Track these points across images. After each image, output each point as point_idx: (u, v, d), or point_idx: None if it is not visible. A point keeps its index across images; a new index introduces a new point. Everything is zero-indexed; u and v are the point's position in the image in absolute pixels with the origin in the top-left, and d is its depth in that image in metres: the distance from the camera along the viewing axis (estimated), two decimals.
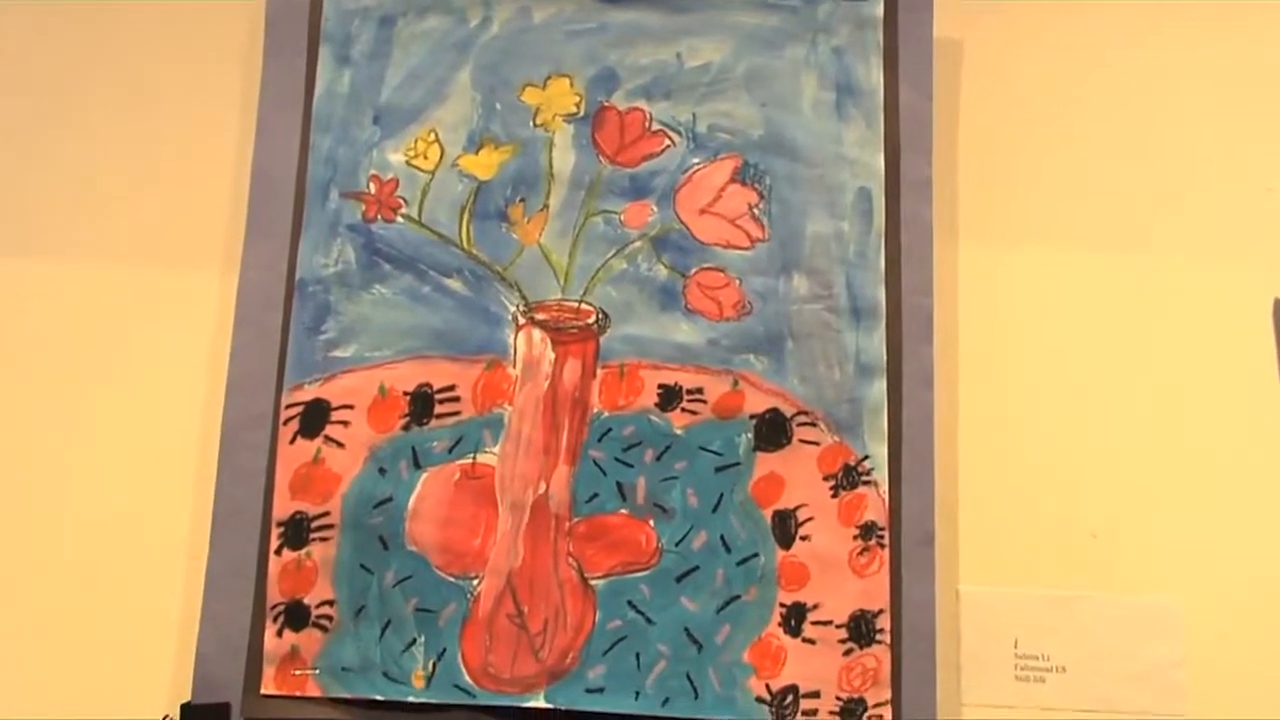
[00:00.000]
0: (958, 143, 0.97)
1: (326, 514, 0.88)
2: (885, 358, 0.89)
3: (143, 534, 0.91)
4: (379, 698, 0.86)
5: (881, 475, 0.88)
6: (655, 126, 0.93)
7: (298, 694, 0.86)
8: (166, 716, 0.86)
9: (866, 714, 0.85)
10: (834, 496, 0.87)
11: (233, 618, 0.87)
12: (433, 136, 0.93)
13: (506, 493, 0.88)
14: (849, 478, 0.88)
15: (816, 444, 0.88)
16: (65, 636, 0.90)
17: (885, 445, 0.88)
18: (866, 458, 0.88)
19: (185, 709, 0.86)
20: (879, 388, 0.89)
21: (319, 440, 0.89)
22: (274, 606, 0.87)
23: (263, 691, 0.86)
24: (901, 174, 0.92)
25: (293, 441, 0.89)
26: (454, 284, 0.91)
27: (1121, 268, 0.95)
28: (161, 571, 0.90)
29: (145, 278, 0.96)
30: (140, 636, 0.90)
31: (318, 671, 0.87)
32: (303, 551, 0.88)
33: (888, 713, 0.84)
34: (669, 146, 0.93)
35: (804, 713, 0.85)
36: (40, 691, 0.89)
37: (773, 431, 0.89)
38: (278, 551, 0.88)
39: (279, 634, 0.87)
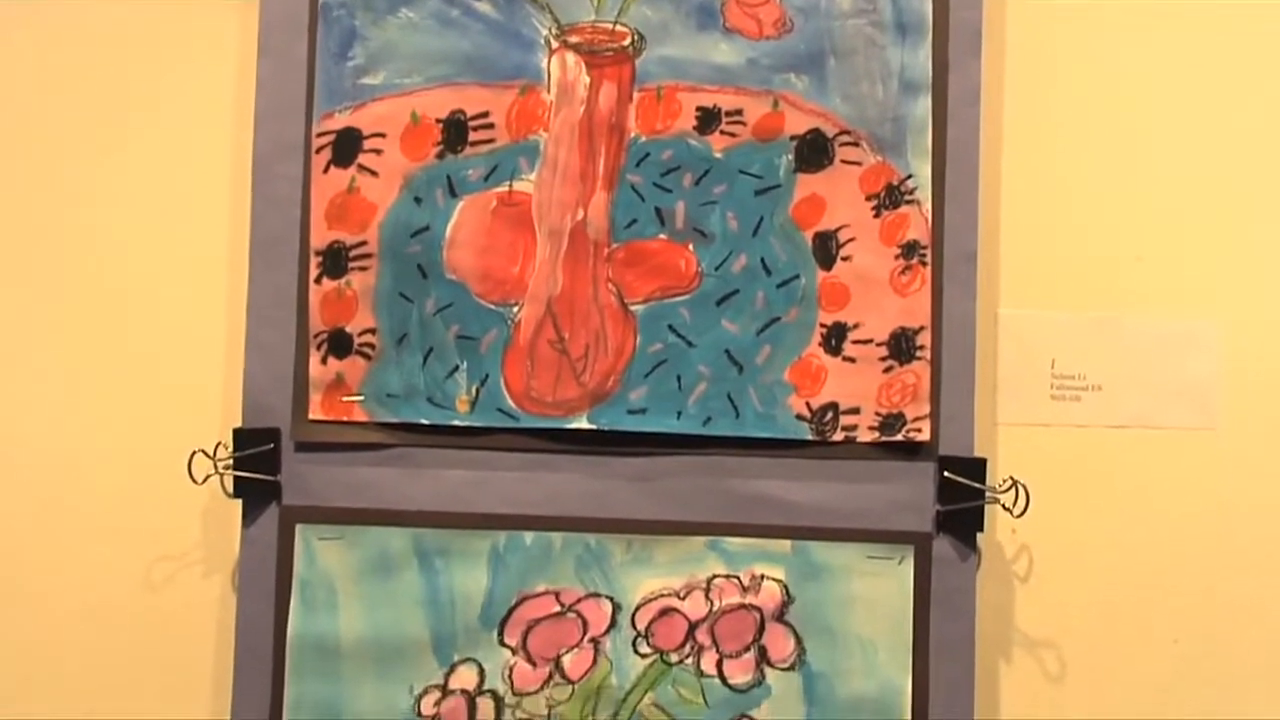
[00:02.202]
0: None
1: (364, 243, 0.88)
2: (931, 74, 0.87)
3: (181, 270, 0.91)
4: (424, 422, 0.88)
5: (925, 194, 0.86)
6: None
7: (345, 419, 0.88)
8: (220, 444, 0.88)
9: (905, 428, 0.86)
10: (876, 216, 0.87)
11: (278, 346, 0.88)
12: None
13: (544, 220, 0.88)
14: (891, 197, 0.87)
15: (859, 164, 0.87)
16: (116, 369, 0.91)
17: (929, 163, 0.86)
18: (910, 176, 0.86)
19: (237, 433, 0.88)
20: (924, 105, 0.86)
21: (352, 169, 0.88)
22: (317, 335, 0.88)
23: (310, 417, 0.88)
24: None
25: (326, 170, 0.88)
26: (483, 6, 0.88)
27: None
28: (203, 304, 0.91)
29: (164, 8, 0.93)
30: (188, 367, 0.91)
31: (363, 398, 0.88)
32: (342, 280, 0.88)
33: (926, 426, 0.86)
34: None
35: (844, 428, 0.87)
36: (93, 421, 0.91)
37: (814, 152, 0.87)
38: (317, 280, 0.88)
39: (323, 361, 0.88)
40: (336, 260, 0.88)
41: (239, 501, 0.88)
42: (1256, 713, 0.90)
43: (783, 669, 0.87)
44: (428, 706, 0.87)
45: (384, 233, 0.87)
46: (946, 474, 0.85)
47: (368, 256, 0.88)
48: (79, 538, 0.92)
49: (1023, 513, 0.85)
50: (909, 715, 0.85)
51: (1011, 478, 0.86)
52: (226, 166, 0.91)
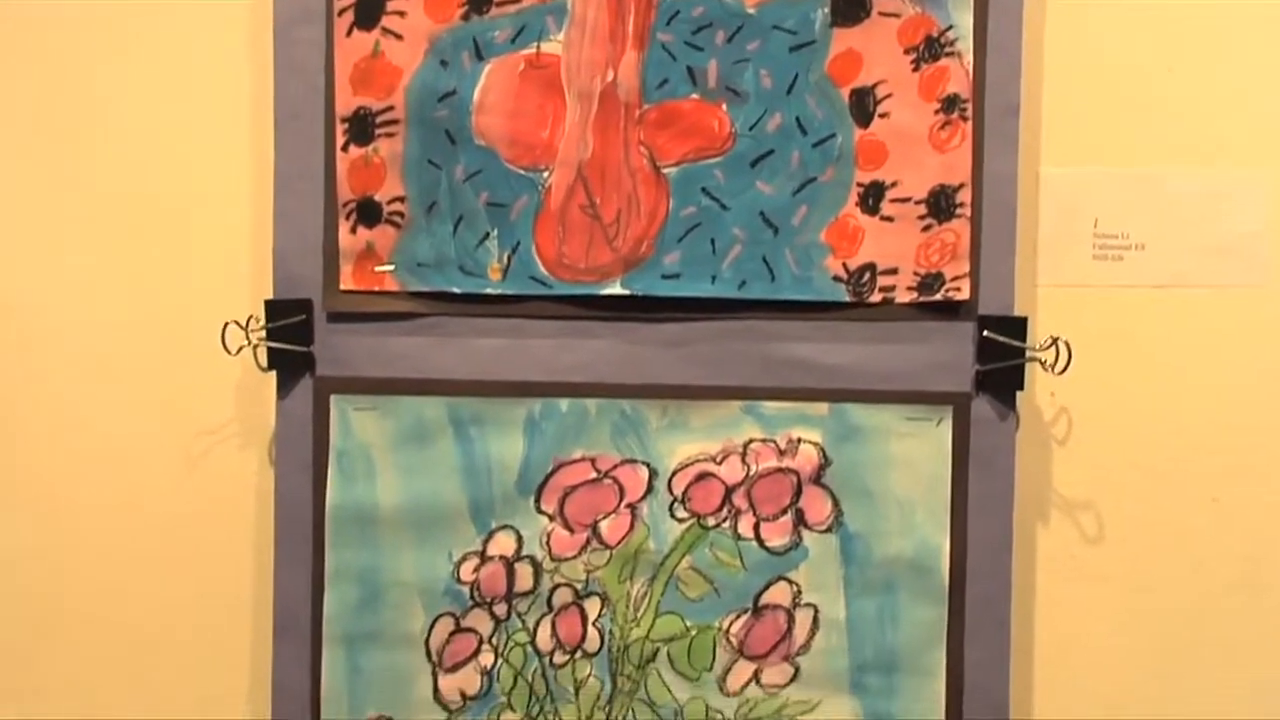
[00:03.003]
0: None
1: (390, 109, 0.86)
2: None
3: (204, 141, 0.90)
4: (456, 290, 0.87)
5: (966, 45, 0.84)
6: None
7: (376, 289, 0.87)
8: (251, 317, 0.87)
9: (944, 287, 0.85)
10: (915, 70, 0.84)
11: (306, 216, 0.87)
12: None
13: (573, 82, 0.85)
14: (931, 49, 0.84)
15: (897, 15, 0.84)
16: (145, 247, 0.91)
17: (970, 14, 0.83)
18: (950, 28, 0.84)
19: (269, 305, 0.87)
20: None
21: (376, 32, 0.85)
22: (345, 204, 0.87)
23: (342, 287, 0.87)
24: None
25: (349, 34, 0.85)
26: None
27: None
28: (229, 175, 0.90)
29: None
30: (217, 239, 0.90)
31: (394, 267, 0.87)
32: (369, 148, 0.86)
33: (965, 285, 0.85)
34: None
35: (881, 289, 0.85)
36: (123, 300, 0.91)
37: (850, 5, 0.84)
38: (344, 148, 0.86)
39: (353, 231, 0.87)
40: (363, 127, 0.86)
41: (273, 375, 0.88)
42: None
43: (820, 531, 0.87)
44: (467, 573, 0.88)
45: (410, 98, 0.86)
46: (986, 333, 0.84)
47: (394, 123, 0.86)
48: (115, 417, 0.92)
49: (1064, 370, 0.84)
50: (947, 574, 0.86)
51: (1052, 336, 0.84)
52: (244, 32, 0.89)
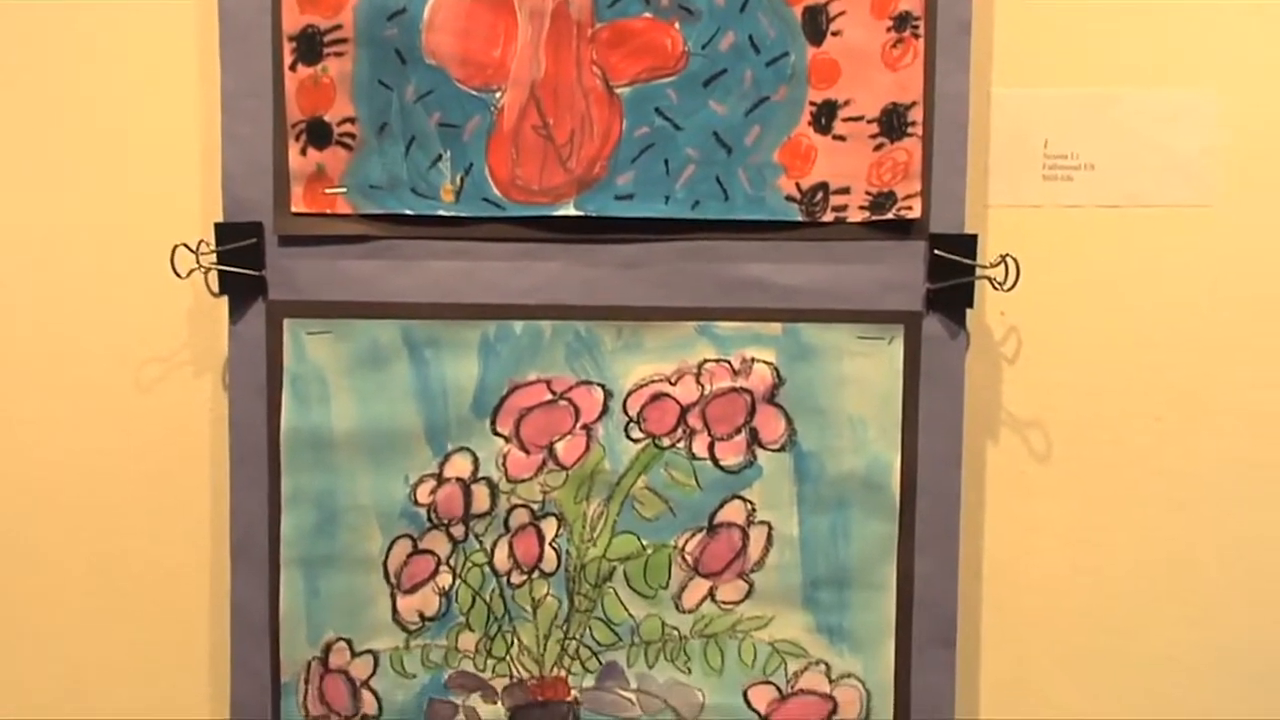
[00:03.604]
0: None
1: (339, 27, 0.84)
2: None
3: (150, 62, 0.89)
4: (409, 212, 0.86)
5: None
6: None
7: (327, 211, 0.86)
8: (202, 241, 0.86)
9: (896, 206, 0.85)
10: None
11: (255, 138, 0.86)
12: None
13: (524, 0, 0.85)
14: None
15: None
16: (91, 170, 0.90)
17: None
18: None
19: (219, 228, 0.86)
20: None
21: None
22: (295, 125, 0.86)
23: (293, 210, 0.86)
24: None
25: None
26: None
27: None
28: (176, 96, 0.89)
29: None
30: (165, 162, 0.89)
31: (346, 190, 0.86)
32: (318, 67, 0.85)
33: (917, 204, 0.85)
34: None
35: (834, 208, 0.86)
36: (70, 225, 0.90)
37: None
38: (292, 68, 0.85)
39: (303, 152, 0.86)
40: (311, 45, 0.85)
41: (225, 301, 0.87)
42: (1235, 484, 0.91)
43: (774, 450, 0.88)
44: (423, 495, 0.88)
45: (359, 15, 0.84)
46: (937, 251, 0.85)
47: (343, 41, 0.85)
48: (64, 343, 0.91)
49: (1012, 287, 0.84)
50: (898, 490, 0.87)
51: (1003, 254, 0.85)
52: None
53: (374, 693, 0.89)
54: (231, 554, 0.88)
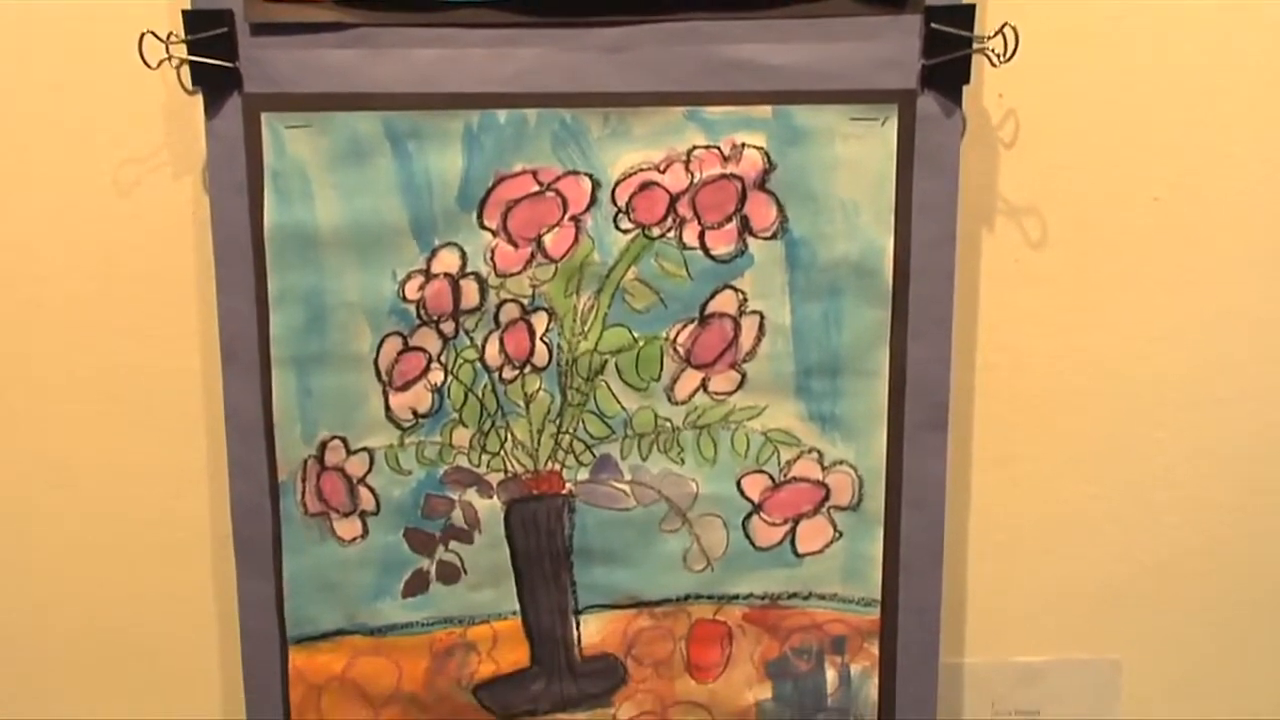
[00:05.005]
0: None
1: None
2: None
3: None
4: None
5: None
6: None
7: None
8: (171, 32, 0.83)
9: None
10: None
11: None
12: None
13: None
14: None
15: None
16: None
17: None
18: None
19: (187, 15, 0.83)
20: None
21: None
22: None
23: None
24: None
25: None
26: None
27: None
28: None
29: None
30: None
31: None
32: None
33: None
34: None
35: None
36: (40, 27, 0.87)
37: None
38: None
39: None
40: None
41: (199, 99, 0.85)
42: (1233, 263, 0.91)
43: (765, 238, 0.86)
44: (412, 291, 0.87)
45: None
46: (933, 25, 0.82)
47: None
48: (37, 149, 0.89)
49: (1010, 57, 0.82)
50: (890, 275, 0.86)
51: (1003, 24, 0.82)
52: None
53: (371, 489, 0.90)
54: (222, 356, 0.88)
